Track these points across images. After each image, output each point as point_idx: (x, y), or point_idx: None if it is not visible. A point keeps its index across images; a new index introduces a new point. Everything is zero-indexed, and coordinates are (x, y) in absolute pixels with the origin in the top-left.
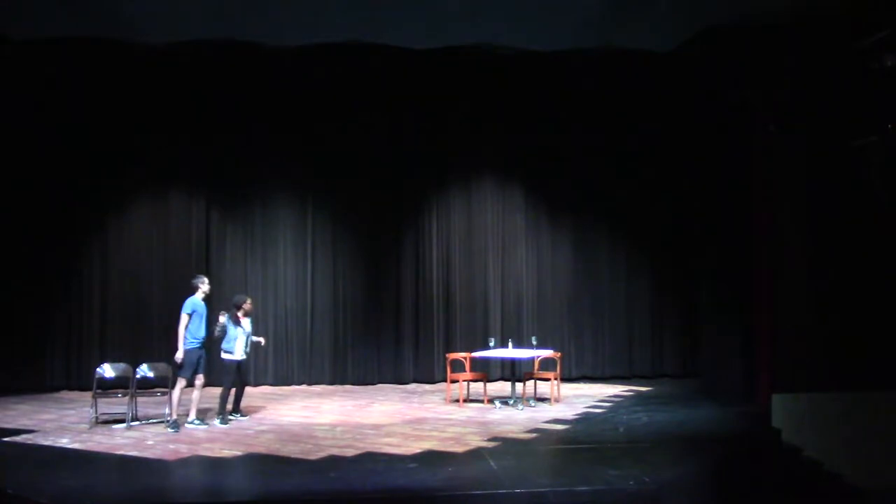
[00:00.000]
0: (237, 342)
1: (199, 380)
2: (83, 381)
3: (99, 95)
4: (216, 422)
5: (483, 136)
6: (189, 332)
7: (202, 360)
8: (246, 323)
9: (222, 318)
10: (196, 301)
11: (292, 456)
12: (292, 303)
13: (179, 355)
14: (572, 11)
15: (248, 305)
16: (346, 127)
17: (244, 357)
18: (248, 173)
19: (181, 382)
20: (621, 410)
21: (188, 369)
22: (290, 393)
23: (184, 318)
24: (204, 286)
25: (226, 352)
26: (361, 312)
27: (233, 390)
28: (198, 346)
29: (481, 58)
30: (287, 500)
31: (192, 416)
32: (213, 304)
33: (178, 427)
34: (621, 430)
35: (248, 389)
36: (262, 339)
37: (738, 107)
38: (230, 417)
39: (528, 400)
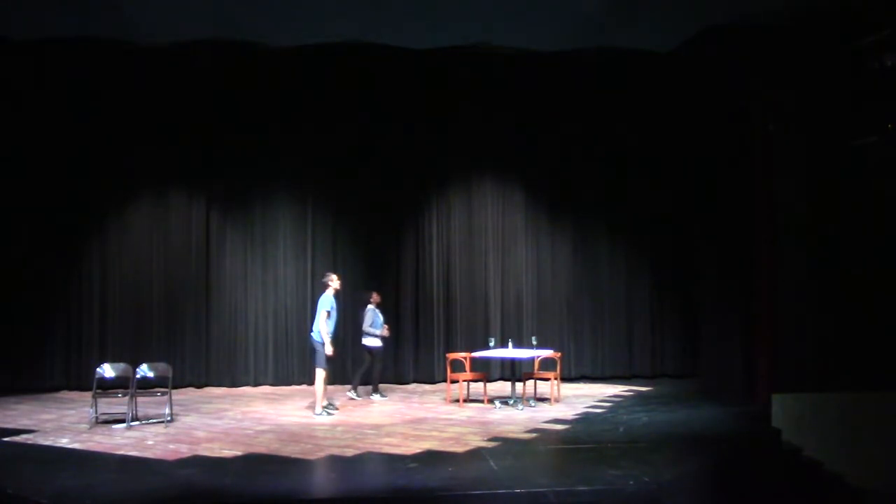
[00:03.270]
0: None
1: (325, 372)
2: (83, 381)
3: (99, 95)
4: (378, 395)
5: (483, 136)
6: (329, 324)
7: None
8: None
9: (371, 308)
10: (331, 297)
11: (292, 456)
12: (292, 303)
13: (330, 349)
14: (572, 11)
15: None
16: (345, 127)
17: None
18: (248, 173)
19: (323, 373)
20: (621, 410)
21: (328, 360)
22: (290, 393)
23: (323, 314)
24: (334, 283)
25: (374, 336)
26: (361, 313)
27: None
28: (330, 338)
29: (481, 58)
30: (287, 500)
31: (325, 401)
32: (213, 304)
33: (330, 412)
34: (621, 430)
35: (248, 389)
36: (380, 331)
37: (738, 107)
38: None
39: (528, 400)
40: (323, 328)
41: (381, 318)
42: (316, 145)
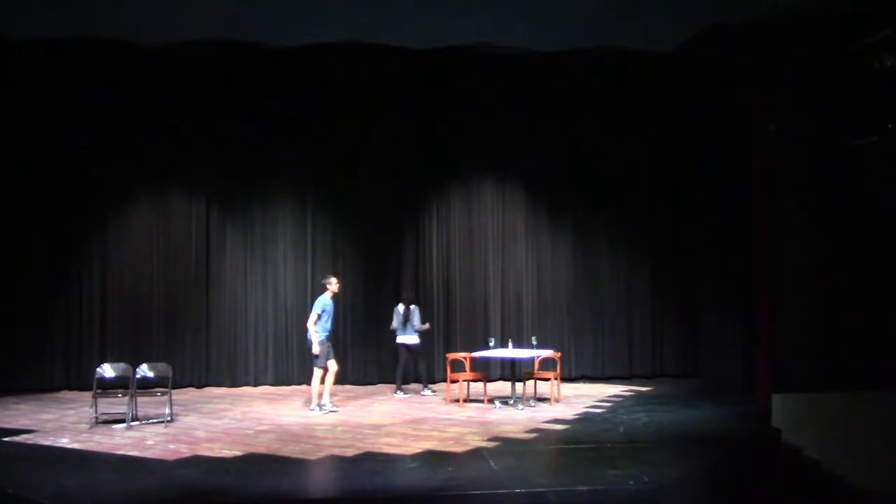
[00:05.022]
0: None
1: (332, 366)
2: (83, 381)
3: (99, 95)
4: (401, 393)
5: (483, 136)
6: (319, 326)
7: (331, 351)
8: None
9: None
10: (326, 299)
11: (292, 456)
12: (292, 303)
13: (316, 348)
14: (572, 11)
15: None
16: (345, 127)
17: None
18: (248, 173)
19: (319, 372)
20: (621, 410)
21: (322, 359)
22: (290, 393)
23: (313, 315)
24: (332, 286)
25: (419, 333)
26: (361, 312)
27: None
28: (325, 337)
29: (481, 58)
30: (287, 500)
31: (325, 399)
32: (213, 304)
33: (324, 410)
34: (621, 430)
35: (248, 389)
36: (426, 325)
37: (738, 107)
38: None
39: (528, 400)
40: (311, 328)
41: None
42: (316, 145)
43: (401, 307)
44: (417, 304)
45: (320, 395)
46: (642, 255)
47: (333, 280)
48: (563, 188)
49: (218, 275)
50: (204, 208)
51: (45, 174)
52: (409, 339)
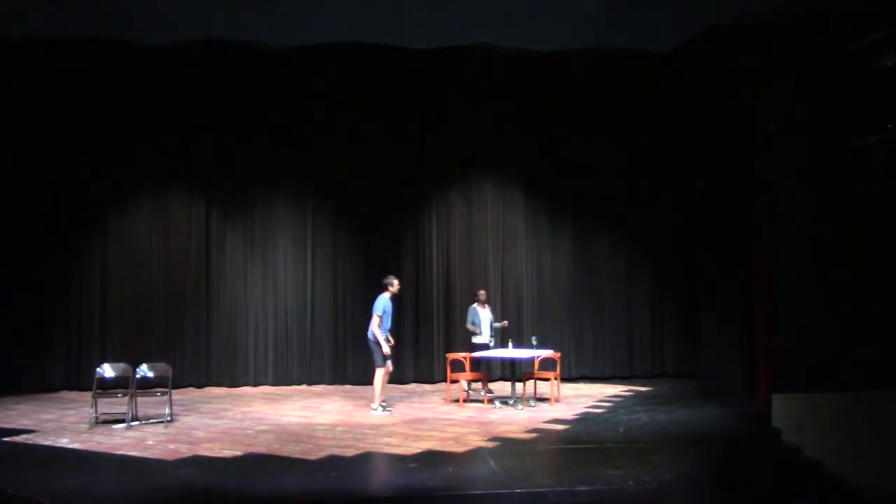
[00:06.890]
0: (482, 326)
1: (389, 367)
2: (83, 381)
3: (99, 95)
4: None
5: (483, 136)
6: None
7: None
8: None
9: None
10: (385, 300)
11: (292, 456)
12: (292, 303)
13: (386, 348)
14: (572, 11)
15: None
16: (345, 127)
17: (489, 340)
18: (248, 173)
19: (381, 371)
20: (621, 410)
21: (385, 359)
22: (290, 393)
23: (375, 318)
24: (393, 287)
25: (476, 335)
26: (361, 312)
27: None
28: (384, 337)
29: (481, 58)
30: (287, 500)
31: (377, 400)
32: (213, 304)
33: (389, 410)
34: (621, 430)
35: (248, 389)
36: (505, 322)
37: (738, 107)
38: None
39: (528, 400)
40: (376, 329)
41: (479, 316)
42: (316, 145)
43: None
44: (479, 302)
45: (382, 395)
46: (642, 255)
47: (396, 282)
48: (563, 188)
49: (218, 275)
50: (204, 208)
51: (45, 174)
52: (475, 339)
